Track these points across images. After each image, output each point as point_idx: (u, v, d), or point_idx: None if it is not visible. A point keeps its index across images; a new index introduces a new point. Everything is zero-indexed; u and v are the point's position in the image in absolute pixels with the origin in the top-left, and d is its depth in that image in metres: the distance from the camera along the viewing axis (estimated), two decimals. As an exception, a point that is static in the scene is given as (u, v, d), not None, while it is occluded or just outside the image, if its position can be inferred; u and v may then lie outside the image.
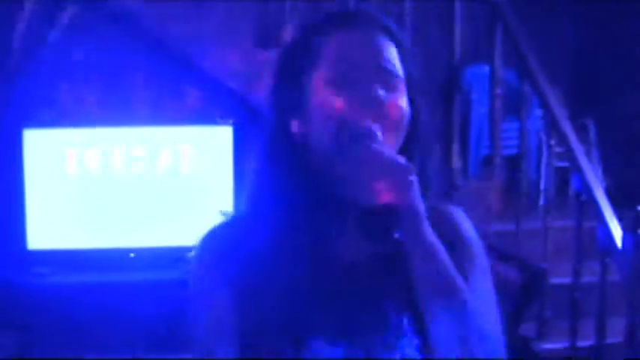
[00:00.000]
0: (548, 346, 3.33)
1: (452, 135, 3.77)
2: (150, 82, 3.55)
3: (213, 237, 1.29)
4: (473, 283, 1.22)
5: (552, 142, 3.45)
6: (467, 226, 1.34)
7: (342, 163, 1.17)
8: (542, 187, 3.89)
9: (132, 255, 3.34)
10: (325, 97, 1.21)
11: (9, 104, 3.31)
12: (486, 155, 4.17)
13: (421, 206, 1.17)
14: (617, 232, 3.00)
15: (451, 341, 1.16)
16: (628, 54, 5.01)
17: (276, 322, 1.19)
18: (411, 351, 1.21)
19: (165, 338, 3.04)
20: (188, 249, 1.34)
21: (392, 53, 1.24)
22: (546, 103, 3.39)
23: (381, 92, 1.20)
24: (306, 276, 1.22)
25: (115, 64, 3.50)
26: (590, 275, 3.24)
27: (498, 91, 3.73)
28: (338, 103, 1.20)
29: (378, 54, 1.23)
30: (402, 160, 1.15)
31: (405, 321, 1.22)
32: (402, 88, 1.24)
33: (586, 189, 3.11)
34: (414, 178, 1.15)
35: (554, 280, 3.34)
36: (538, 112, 3.88)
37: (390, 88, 1.22)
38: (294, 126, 1.25)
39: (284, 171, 1.25)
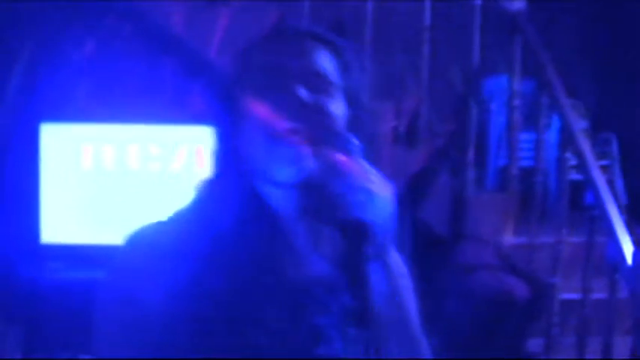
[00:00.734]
0: (555, 361, 3.31)
1: (467, 145, 3.75)
2: (168, 81, 3.57)
3: (146, 237, 1.27)
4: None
5: (568, 154, 3.42)
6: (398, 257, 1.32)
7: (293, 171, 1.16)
8: (556, 200, 3.86)
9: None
10: (253, 103, 1.21)
11: (27, 99, 3.35)
12: (503, 166, 4.14)
13: (390, 225, 1.16)
14: (628, 249, 2.96)
15: None
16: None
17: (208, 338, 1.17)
18: None
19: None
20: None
21: (322, 58, 1.24)
22: (563, 115, 3.36)
23: (306, 94, 1.20)
24: (245, 292, 1.19)
25: (134, 61, 3.53)
26: (600, 292, 3.20)
27: (516, 102, 3.71)
28: (263, 107, 1.20)
29: (304, 58, 1.23)
30: (379, 175, 1.15)
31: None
32: (335, 93, 1.23)
33: (598, 203, 3.08)
34: (391, 195, 1.15)
35: (564, 296, 3.31)
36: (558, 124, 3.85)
37: (319, 90, 1.22)
38: (237, 144, 1.24)
39: (227, 184, 1.25)
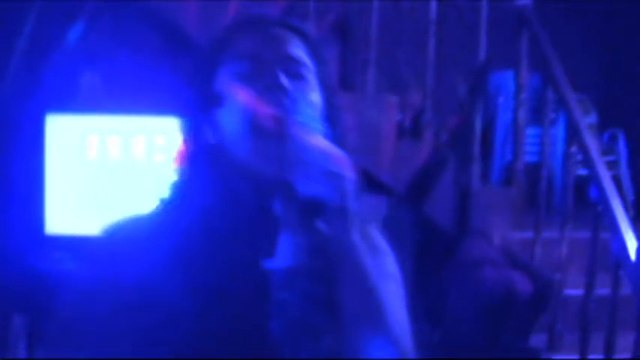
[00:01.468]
0: (558, 358, 3.29)
1: (473, 140, 3.74)
2: (174, 72, 3.57)
3: (122, 229, 1.28)
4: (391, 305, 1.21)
5: (573, 149, 3.41)
6: (378, 235, 1.32)
7: (263, 155, 1.15)
8: (562, 195, 3.85)
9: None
10: (232, 90, 1.21)
11: (33, 89, 3.36)
12: (509, 161, 4.14)
13: (354, 206, 1.14)
14: (631, 244, 2.95)
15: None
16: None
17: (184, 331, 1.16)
18: None
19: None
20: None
21: (296, 44, 1.26)
22: (568, 110, 3.35)
23: (285, 80, 1.20)
24: (214, 283, 1.19)
25: (140, 52, 3.53)
26: (604, 287, 3.19)
27: (523, 97, 3.70)
28: (244, 94, 1.19)
29: (280, 44, 1.24)
30: (338, 152, 1.14)
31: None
32: (311, 77, 1.25)
33: (603, 199, 3.07)
34: (349, 172, 1.13)
35: (568, 292, 3.31)
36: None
37: (296, 76, 1.23)
38: (209, 131, 1.24)
39: (199, 173, 1.25)
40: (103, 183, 3.40)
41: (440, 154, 3.79)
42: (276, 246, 1.22)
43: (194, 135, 1.27)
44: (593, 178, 3.16)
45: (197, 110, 1.26)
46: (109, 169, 3.39)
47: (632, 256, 2.92)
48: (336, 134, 1.26)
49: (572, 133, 3.41)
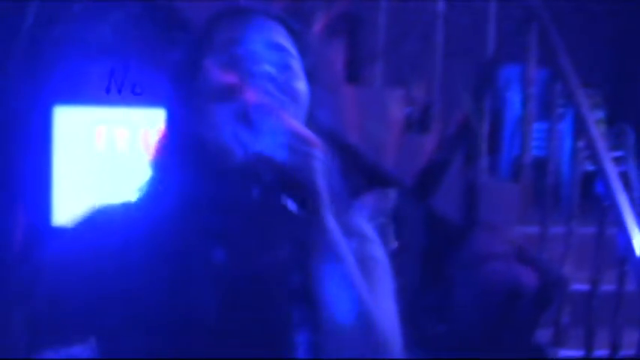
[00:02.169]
0: (564, 353, 3.29)
1: (481, 133, 3.74)
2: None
3: (97, 215, 1.29)
4: (376, 291, 1.20)
5: (580, 144, 3.39)
6: (368, 226, 1.32)
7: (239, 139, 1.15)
8: (568, 190, 3.84)
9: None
10: (217, 79, 1.21)
11: (41, 81, 3.37)
12: (517, 155, 4.12)
13: (323, 185, 1.13)
14: (637, 240, 2.94)
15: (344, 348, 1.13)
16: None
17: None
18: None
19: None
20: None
21: (282, 34, 1.26)
22: (576, 104, 3.34)
23: (270, 68, 1.20)
24: (189, 273, 1.19)
25: (148, 44, 3.53)
26: (610, 283, 3.19)
27: (531, 91, 3.68)
28: (228, 82, 1.19)
29: (266, 33, 1.24)
30: (307, 132, 1.14)
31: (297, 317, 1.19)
32: (296, 67, 1.25)
33: (609, 194, 3.06)
34: (318, 152, 1.12)
35: (574, 287, 3.30)
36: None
37: (281, 65, 1.23)
38: (190, 120, 1.24)
39: (175, 163, 1.25)
40: (110, 174, 3.41)
41: (447, 148, 3.78)
42: (253, 232, 1.23)
43: (174, 125, 1.27)
44: (600, 174, 3.15)
45: (180, 100, 1.26)
46: (117, 160, 3.40)
47: (638, 251, 2.92)
48: (319, 123, 1.26)
49: (580, 128, 3.40)
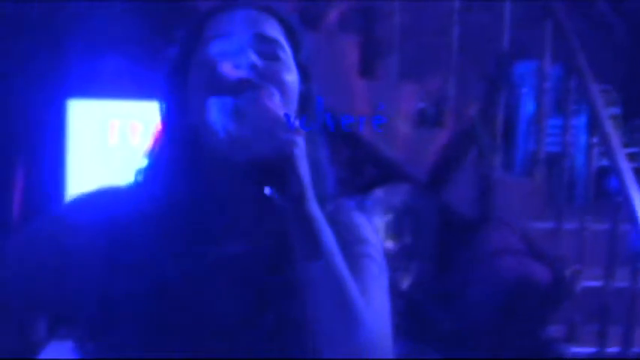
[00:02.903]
0: (576, 350, 3.28)
1: (495, 128, 3.73)
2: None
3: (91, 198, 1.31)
4: (368, 289, 1.18)
5: (595, 140, 3.38)
6: (364, 224, 1.30)
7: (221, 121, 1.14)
8: (582, 186, 3.82)
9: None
10: (203, 72, 1.21)
11: (54, 74, 3.39)
12: (532, 151, 4.11)
13: (306, 174, 1.11)
14: (651, 237, 2.93)
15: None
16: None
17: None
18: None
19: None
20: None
21: (272, 25, 1.25)
22: (590, 100, 3.32)
23: (256, 59, 1.20)
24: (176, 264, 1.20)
25: (162, 37, 3.54)
26: (623, 280, 3.18)
27: (546, 86, 3.67)
28: (214, 74, 1.19)
29: (254, 24, 1.24)
30: (289, 119, 1.12)
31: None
32: (286, 58, 1.24)
33: (622, 190, 3.04)
34: (299, 138, 1.11)
35: (587, 283, 3.28)
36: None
37: (270, 56, 1.22)
38: (183, 113, 1.25)
39: (169, 156, 1.25)
40: (123, 169, 3.41)
41: (461, 143, 3.77)
42: (234, 223, 1.23)
43: (168, 118, 1.27)
44: (614, 170, 3.14)
45: (172, 92, 1.27)
46: (131, 153, 3.41)
47: (651, 248, 2.90)
48: (310, 115, 1.26)
49: (595, 124, 3.38)
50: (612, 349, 3.18)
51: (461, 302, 3.46)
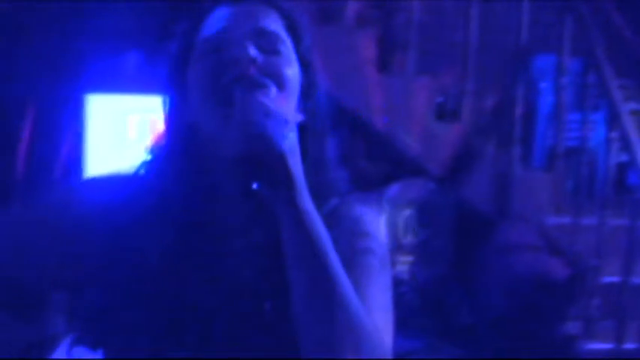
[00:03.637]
0: (593, 346, 3.26)
1: (513, 123, 3.71)
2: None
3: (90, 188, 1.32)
4: (366, 284, 1.17)
5: (614, 135, 3.36)
6: (369, 218, 1.28)
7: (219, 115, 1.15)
8: (601, 181, 3.80)
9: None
10: (202, 63, 1.22)
11: (73, 69, 3.40)
12: (550, 145, 4.09)
13: (296, 167, 1.11)
14: (670, 233, 2.91)
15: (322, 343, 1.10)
16: None
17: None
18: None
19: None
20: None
21: (273, 19, 1.25)
22: (609, 95, 3.30)
23: (254, 51, 1.20)
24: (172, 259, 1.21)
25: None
26: (642, 276, 3.16)
27: (565, 81, 3.65)
28: (213, 68, 1.20)
29: (254, 18, 1.24)
30: (280, 111, 1.11)
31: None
32: (287, 52, 1.24)
33: (641, 186, 3.03)
34: (289, 133, 1.11)
35: (605, 279, 3.27)
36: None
37: (270, 50, 1.22)
38: (184, 108, 1.25)
39: (171, 152, 1.26)
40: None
41: (479, 137, 3.76)
42: (226, 217, 1.23)
43: (171, 113, 1.28)
44: (633, 165, 3.12)
45: (174, 88, 1.27)
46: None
47: (670, 244, 2.89)
48: (312, 109, 1.26)
49: (614, 119, 3.36)
50: (630, 346, 3.16)
51: (479, 298, 3.45)
